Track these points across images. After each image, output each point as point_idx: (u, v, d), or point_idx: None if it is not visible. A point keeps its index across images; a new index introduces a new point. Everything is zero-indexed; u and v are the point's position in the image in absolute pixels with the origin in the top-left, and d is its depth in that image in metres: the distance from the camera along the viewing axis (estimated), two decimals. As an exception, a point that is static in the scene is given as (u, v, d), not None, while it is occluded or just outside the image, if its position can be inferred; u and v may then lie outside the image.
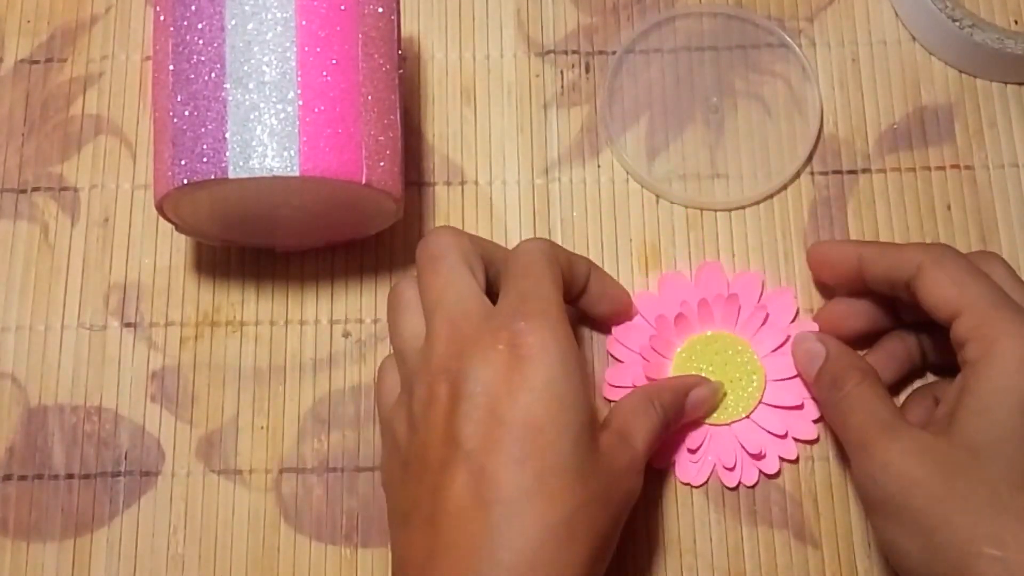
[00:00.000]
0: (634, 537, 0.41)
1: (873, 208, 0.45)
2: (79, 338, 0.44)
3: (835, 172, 0.46)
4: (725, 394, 0.42)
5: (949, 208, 0.45)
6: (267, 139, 0.36)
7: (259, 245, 0.44)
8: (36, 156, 0.46)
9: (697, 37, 0.48)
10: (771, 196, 0.45)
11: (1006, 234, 0.45)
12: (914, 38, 0.48)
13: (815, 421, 0.42)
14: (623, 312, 0.43)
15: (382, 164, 0.38)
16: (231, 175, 0.36)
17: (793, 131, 0.46)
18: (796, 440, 0.42)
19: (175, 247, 0.45)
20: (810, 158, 0.46)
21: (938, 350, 0.41)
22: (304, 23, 0.37)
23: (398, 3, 0.41)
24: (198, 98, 0.37)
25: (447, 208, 0.46)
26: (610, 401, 0.43)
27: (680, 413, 0.40)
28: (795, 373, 0.42)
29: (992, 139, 0.46)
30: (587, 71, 0.47)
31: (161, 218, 0.40)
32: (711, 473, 0.42)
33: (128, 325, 0.44)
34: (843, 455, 0.41)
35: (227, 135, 0.36)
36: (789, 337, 0.42)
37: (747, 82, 0.47)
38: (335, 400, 0.43)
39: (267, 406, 0.43)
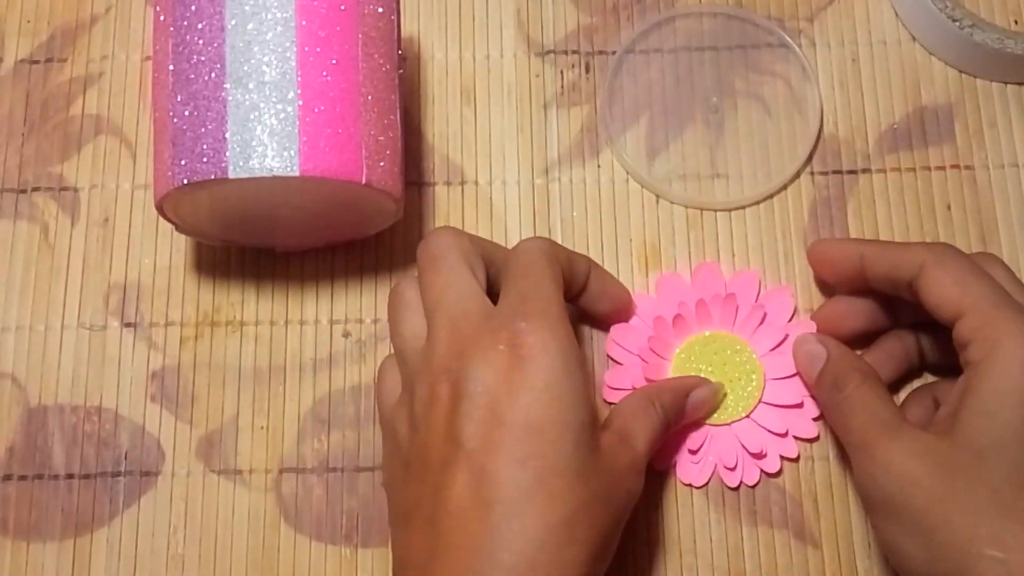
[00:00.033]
0: (634, 537, 0.41)
1: (873, 208, 0.45)
2: (79, 338, 0.44)
3: (835, 172, 0.46)
4: (725, 395, 0.42)
5: (949, 208, 0.45)
6: (267, 139, 0.36)
7: (259, 245, 0.44)
8: (36, 156, 0.46)
9: (697, 37, 0.48)
10: (771, 196, 0.45)
11: (1006, 234, 0.45)
12: (914, 38, 0.48)
13: (815, 419, 0.42)
14: (624, 310, 0.43)
15: (382, 164, 0.38)
16: (231, 175, 0.36)
17: (793, 131, 0.46)
18: (796, 438, 0.42)
19: (175, 247, 0.45)
20: (810, 158, 0.46)
21: (936, 350, 0.41)
22: (304, 23, 0.37)
23: (398, 3, 0.41)
24: (198, 98, 0.37)
25: (447, 208, 0.46)
26: (609, 403, 0.43)
27: (680, 414, 0.40)
28: (794, 372, 0.42)
29: (992, 139, 0.46)
30: (587, 71, 0.47)
31: (161, 218, 0.40)
32: (712, 473, 0.42)
33: (128, 325, 0.44)
34: (843, 455, 0.41)
35: (227, 135, 0.36)
36: (787, 336, 0.42)
37: (747, 82, 0.47)
38: (335, 400, 0.43)
39: (267, 406, 0.43)
